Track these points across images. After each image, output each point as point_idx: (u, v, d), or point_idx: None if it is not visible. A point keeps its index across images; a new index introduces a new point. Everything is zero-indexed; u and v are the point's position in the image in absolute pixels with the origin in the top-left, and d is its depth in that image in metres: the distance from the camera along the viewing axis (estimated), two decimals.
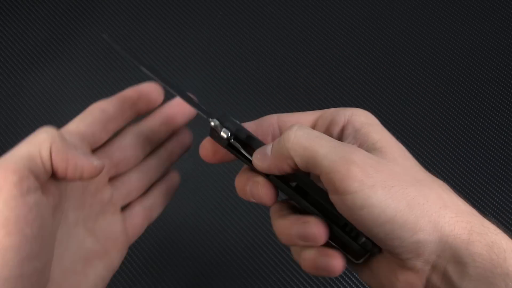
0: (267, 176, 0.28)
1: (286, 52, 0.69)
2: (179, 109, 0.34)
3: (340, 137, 0.29)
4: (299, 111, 0.31)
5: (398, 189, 0.23)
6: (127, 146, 0.32)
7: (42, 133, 0.26)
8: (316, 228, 0.26)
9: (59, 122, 0.67)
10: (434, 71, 0.68)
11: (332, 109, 0.29)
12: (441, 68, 0.68)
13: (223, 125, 0.28)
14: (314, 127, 0.30)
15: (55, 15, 0.71)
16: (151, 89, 0.33)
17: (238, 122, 0.29)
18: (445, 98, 0.67)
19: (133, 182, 0.33)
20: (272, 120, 0.30)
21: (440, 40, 0.70)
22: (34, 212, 0.23)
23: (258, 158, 0.28)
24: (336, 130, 0.29)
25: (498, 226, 0.25)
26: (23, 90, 0.66)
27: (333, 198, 0.25)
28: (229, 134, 0.28)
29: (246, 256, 0.58)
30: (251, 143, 0.28)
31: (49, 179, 0.26)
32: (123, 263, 0.57)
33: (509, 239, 0.24)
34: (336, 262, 0.26)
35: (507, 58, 0.69)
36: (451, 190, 0.26)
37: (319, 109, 0.63)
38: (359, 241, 0.26)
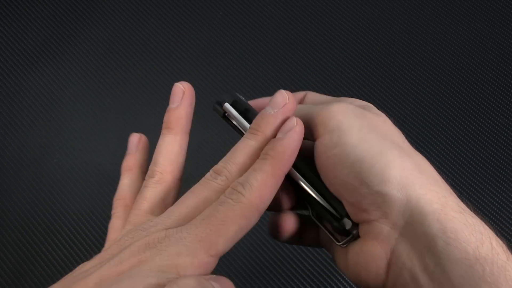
0: None
1: (286, 52, 0.69)
2: None
3: None
4: None
5: (375, 137, 0.24)
6: None
7: None
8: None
9: (59, 122, 0.67)
10: (434, 71, 0.68)
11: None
12: (441, 68, 0.68)
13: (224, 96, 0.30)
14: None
15: (55, 15, 0.71)
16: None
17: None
18: (445, 98, 0.67)
19: None
20: (299, 98, 0.33)
21: (440, 40, 0.70)
22: None
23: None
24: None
25: (474, 211, 0.23)
26: (23, 90, 0.66)
27: (316, 144, 0.26)
28: (228, 101, 0.30)
29: (246, 256, 0.58)
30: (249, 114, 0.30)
31: None
32: None
33: (485, 224, 0.23)
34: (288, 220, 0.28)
35: (507, 58, 0.69)
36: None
37: None
38: (343, 223, 0.27)
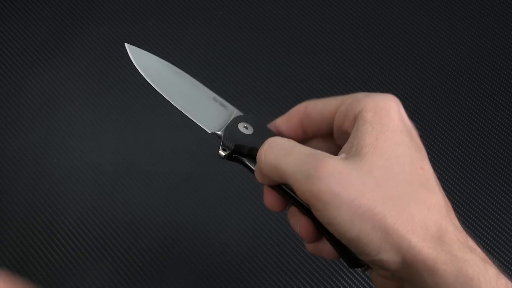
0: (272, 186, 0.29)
1: (286, 52, 0.69)
2: None
3: (350, 129, 0.27)
4: None
5: (365, 210, 0.23)
6: None
7: None
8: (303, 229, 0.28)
9: (59, 122, 0.67)
10: (434, 71, 0.68)
11: (351, 99, 0.28)
12: (441, 68, 0.68)
13: (222, 143, 0.29)
14: (335, 113, 0.29)
15: (55, 15, 0.71)
16: None
17: (246, 130, 0.30)
18: (445, 97, 0.67)
19: None
20: (300, 109, 0.30)
21: (440, 40, 0.70)
22: None
23: (256, 173, 0.29)
24: (349, 121, 0.27)
25: (471, 249, 0.24)
26: (23, 90, 0.66)
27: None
28: (226, 153, 0.29)
29: (246, 256, 0.58)
30: (254, 154, 0.29)
31: None
32: (123, 263, 0.57)
33: (478, 265, 0.23)
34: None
35: (507, 58, 0.69)
36: (440, 200, 0.25)
37: None
38: (353, 257, 0.27)
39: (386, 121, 0.26)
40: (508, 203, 0.61)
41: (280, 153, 0.25)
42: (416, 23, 0.71)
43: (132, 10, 0.72)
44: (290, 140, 0.27)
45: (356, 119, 0.26)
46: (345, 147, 0.26)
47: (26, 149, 0.62)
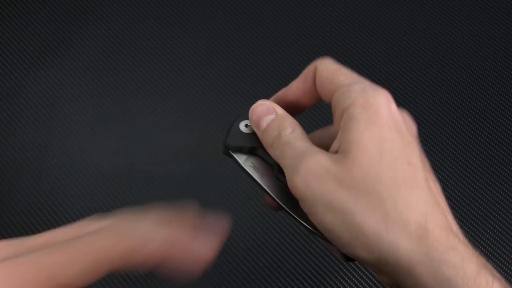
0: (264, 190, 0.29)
1: (286, 52, 0.69)
2: None
3: (339, 121, 0.28)
4: None
5: (336, 205, 0.24)
6: None
7: None
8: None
9: (59, 122, 0.67)
10: (435, 70, 0.68)
11: (345, 88, 0.29)
12: (441, 68, 0.68)
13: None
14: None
15: (55, 15, 0.71)
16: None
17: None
18: (445, 98, 0.67)
19: None
20: (310, 72, 0.33)
21: (440, 40, 0.70)
22: None
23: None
24: (337, 117, 0.28)
25: (452, 247, 0.23)
26: (23, 90, 0.66)
27: None
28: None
29: (246, 256, 0.58)
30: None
31: None
32: None
33: (456, 265, 0.22)
34: None
35: (507, 58, 0.69)
36: (428, 188, 0.25)
37: (319, 111, 0.63)
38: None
39: (374, 118, 0.25)
40: (508, 203, 0.61)
41: (282, 147, 0.27)
42: (416, 23, 0.71)
43: (132, 10, 0.72)
44: (294, 130, 0.28)
45: (344, 113, 0.27)
46: (335, 142, 0.27)
47: (26, 149, 0.62)
